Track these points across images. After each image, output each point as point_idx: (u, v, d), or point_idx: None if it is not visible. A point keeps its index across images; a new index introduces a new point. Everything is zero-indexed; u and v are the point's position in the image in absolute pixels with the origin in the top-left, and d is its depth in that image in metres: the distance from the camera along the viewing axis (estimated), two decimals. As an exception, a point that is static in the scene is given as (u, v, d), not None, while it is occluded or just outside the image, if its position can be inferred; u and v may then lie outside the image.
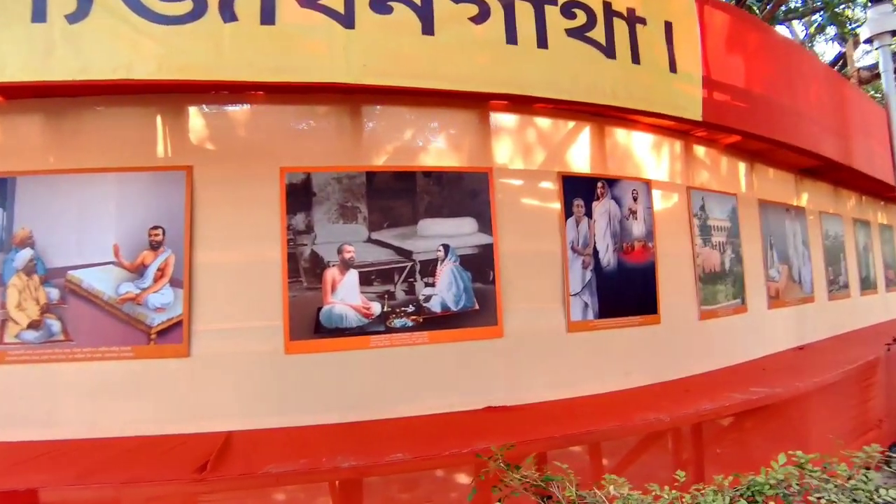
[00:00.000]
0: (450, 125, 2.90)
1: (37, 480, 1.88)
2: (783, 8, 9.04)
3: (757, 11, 8.71)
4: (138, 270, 2.55)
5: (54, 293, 2.53)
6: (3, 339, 2.50)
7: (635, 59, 2.64)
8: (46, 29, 2.04)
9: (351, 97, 2.69)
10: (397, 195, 2.76)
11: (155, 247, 2.56)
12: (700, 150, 3.85)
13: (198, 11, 2.09)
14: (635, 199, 3.30)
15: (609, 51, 2.57)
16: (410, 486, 2.81)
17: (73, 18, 2.05)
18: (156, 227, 2.57)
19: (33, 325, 2.51)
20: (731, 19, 3.21)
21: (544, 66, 2.43)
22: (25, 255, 2.54)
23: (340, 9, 2.18)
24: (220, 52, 2.08)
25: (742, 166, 4.29)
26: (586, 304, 3.06)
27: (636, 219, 3.30)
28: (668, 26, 2.76)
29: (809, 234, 5.04)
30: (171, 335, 2.52)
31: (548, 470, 1.84)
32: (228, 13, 2.10)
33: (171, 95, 2.57)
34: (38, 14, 2.04)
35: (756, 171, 4.44)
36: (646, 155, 3.42)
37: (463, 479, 2.49)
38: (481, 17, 2.34)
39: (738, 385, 3.04)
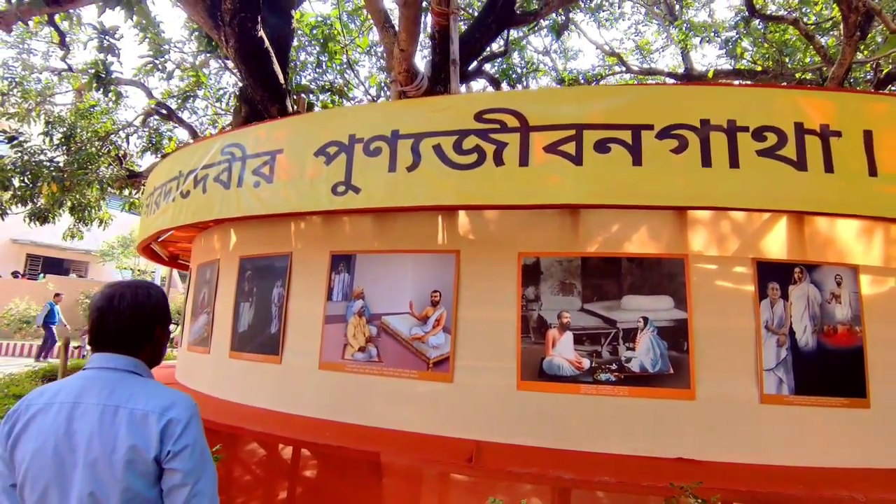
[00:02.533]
0: (650, 220, 3.59)
1: (379, 448, 3.14)
2: None
3: None
4: (423, 319, 3.82)
5: (373, 330, 3.95)
6: (344, 356, 4.01)
7: (828, 168, 2.97)
8: (395, 176, 3.45)
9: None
10: (605, 275, 3.55)
11: (434, 304, 3.81)
12: (927, 232, 3.74)
13: (480, 161, 3.27)
14: (839, 284, 3.47)
15: (800, 164, 2.97)
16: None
17: (409, 169, 3.42)
18: (435, 291, 3.83)
19: (361, 350, 3.96)
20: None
21: (735, 183, 2.97)
22: (359, 304, 4.04)
23: (572, 152, 3.14)
24: (493, 186, 3.22)
25: None
26: (781, 380, 3.34)
27: (840, 303, 3.45)
28: (868, 134, 3.02)
29: None
30: (442, 366, 3.70)
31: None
32: (498, 160, 3.24)
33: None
34: (413, 167, 3.42)
35: None
36: (852, 241, 3.55)
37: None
38: (680, 148, 3.04)
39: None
